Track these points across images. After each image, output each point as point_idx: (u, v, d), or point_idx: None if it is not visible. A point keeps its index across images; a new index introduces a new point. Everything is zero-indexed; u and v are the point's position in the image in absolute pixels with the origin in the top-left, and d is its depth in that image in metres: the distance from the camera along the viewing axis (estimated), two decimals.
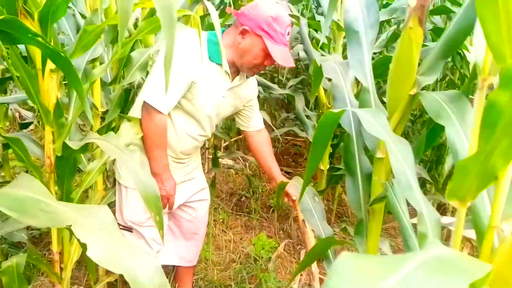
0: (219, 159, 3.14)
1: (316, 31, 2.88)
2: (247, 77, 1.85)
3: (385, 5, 2.59)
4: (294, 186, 1.70)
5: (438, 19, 2.64)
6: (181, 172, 1.90)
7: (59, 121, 1.44)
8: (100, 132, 1.78)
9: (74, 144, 1.26)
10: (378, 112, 1.02)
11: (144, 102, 1.60)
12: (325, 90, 2.17)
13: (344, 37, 2.08)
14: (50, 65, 1.34)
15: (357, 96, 1.42)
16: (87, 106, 1.23)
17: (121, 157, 1.18)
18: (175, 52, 1.59)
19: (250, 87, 1.90)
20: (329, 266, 1.49)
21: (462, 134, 0.94)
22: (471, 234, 1.34)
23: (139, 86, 1.98)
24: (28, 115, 3.37)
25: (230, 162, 3.85)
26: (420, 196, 0.85)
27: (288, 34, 1.68)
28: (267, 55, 1.64)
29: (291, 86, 3.04)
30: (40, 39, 1.15)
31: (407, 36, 1.03)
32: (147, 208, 1.16)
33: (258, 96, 2.03)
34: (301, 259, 2.14)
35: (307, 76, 3.29)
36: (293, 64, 1.69)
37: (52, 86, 1.34)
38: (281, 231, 3.21)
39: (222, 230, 3.18)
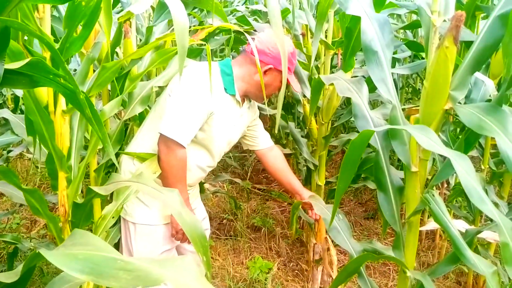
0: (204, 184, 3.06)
1: None
2: (249, 101, 1.84)
3: None
4: (316, 205, 1.70)
5: (409, 34, 2.82)
6: None
7: (69, 165, 1.33)
8: (98, 171, 1.67)
9: (102, 190, 1.16)
10: (426, 128, 1.05)
11: (162, 136, 1.54)
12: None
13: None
14: (61, 106, 1.24)
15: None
16: (109, 147, 1.14)
17: (162, 198, 1.10)
18: (193, 84, 1.58)
19: (252, 109, 1.90)
20: (363, 282, 1.50)
21: (510, 144, 0.99)
22: None
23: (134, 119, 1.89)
24: None
25: (207, 186, 3.78)
26: (493, 207, 0.89)
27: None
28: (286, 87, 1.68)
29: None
30: (61, 80, 1.06)
31: (443, 55, 1.08)
32: (196, 250, 1.10)
33: None
34: (314, 275, 2.13)
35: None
36: (300, 89, 1.73)
37: (65, 129, 1.24)
38: (273, 251, 3.18)
39: (211, 257, 3.09)
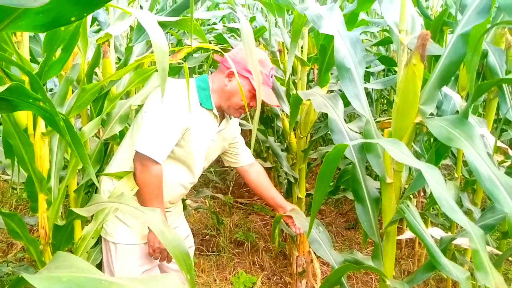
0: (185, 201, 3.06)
1: None
2: (230, 118, 1.87)
3: None
4: (297, 218, 1.72)
5: (382, 49, 2.92)
6: (167, 221, 1.84)
7: (49, 186, 1.32)
8: (78, 192, 1.66)
9: (83, 211, 1.16)
10: (398, 142, 1.10)
11: (137, 154, 1.55)
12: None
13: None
14: (40, 128, 1.24)
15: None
16: (90, 168, 1.15)
17: (144, 217, 1.11)
18: (168, 100, 1.59)
19: (233, 127, 1.93)
20: None
21: (477, 155, 1.05)
22: None
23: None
24: None
25: (189, 202, 3.76)
26: (463, 216, 0.93)
27: (272, 76, 1.74)
28: (254, 96, 1.69)
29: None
30: (41, 103, 1.06)
31: (411, 71, 1.14)
32: (179, 268, 1.11)
33: None
34: None
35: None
36: (278, 103, 1.75)
37: (45, 151, 1.24)
38: (256, 265, 3.18)
39: (194, 274, 3.07)
